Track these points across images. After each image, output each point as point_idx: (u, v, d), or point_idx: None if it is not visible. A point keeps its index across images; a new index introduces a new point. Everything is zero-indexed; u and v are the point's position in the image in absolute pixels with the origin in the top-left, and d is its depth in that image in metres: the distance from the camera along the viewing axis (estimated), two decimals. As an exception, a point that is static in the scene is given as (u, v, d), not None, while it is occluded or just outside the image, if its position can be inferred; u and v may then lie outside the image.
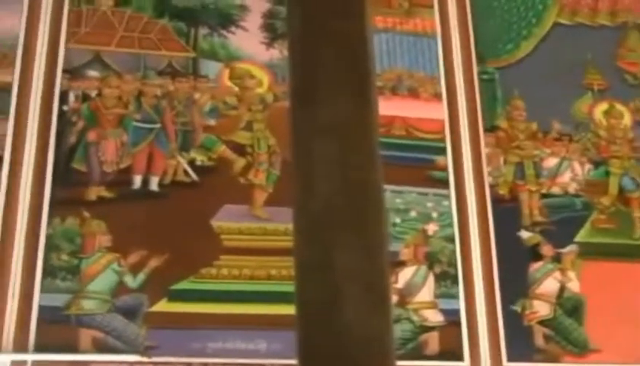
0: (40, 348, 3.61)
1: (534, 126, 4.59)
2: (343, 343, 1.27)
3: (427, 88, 4.55)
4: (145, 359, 3.66)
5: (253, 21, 4.50)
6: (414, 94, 4.54)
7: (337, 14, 1.45)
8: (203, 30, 4.43)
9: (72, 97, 4.12)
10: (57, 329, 3.67)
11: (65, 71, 4.13)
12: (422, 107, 4.52)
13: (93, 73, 4.20)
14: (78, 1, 4.32)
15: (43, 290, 3.70)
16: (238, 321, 3.84)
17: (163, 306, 3.81)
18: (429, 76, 4.58)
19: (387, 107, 4.29)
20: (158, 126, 4.15)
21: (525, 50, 4.76)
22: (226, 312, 3.86)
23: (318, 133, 1.37)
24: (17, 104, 4.00)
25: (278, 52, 4.42)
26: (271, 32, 4.49)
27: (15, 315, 3.64)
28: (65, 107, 4.08)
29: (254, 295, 3.91)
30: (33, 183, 3.87)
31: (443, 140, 4.44)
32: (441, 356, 4.01)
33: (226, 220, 4.01)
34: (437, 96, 4.54)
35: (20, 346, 3.60)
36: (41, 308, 3.67)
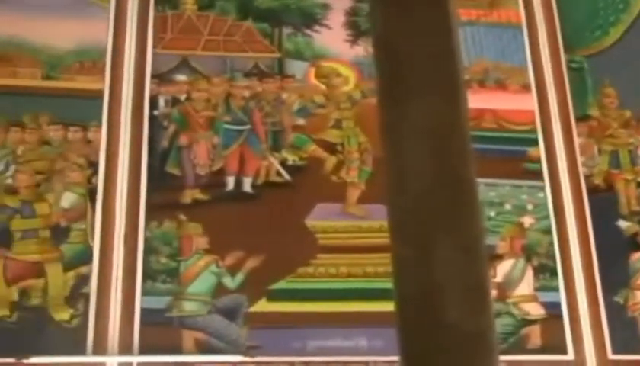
0: (144, 350, 3.62)
1: (627, 113, 4.49)
2: (445, 339, 1.24)
3: (515, 79, 4.49)
4: (248, 359, 3.65)
5: (336, 19, 4.48)
6: (502, 86, 4.48)
7: (421, 8, 1.42)
8: (287, 30, 4.42)
9: (161, 102, 4.14)
10: (160, 331, 3.67)
11: (153, 76, 4.15)
12: (511, 99, 4.45)
13: (181, 77, 4.22)
14: (163, 7, 4.34)
15: (144, 293, 3.72)
16: (338, 319, 3.81)
17: (262, 306, 3.80)
18: (516, 67, 4.52)
19: (475, 100, 4.24)
20: (248, 127, 4.15)
21: (614, 37, 4.66)
22: (325, 310, 3.83)
23: (408, 128, 1.35)
24: (109, 111, 4.03)
25: (363, 50, 4.40)
26: (355, 29, 4.46)
27: (119, 318, 3.65)
28: (155, 112, 4.10)
29: (352, 293, 3.88)
30: (129, 188, 3.89)
31: (534, 131, 4.37)
32: (544, 350, 3.94)
33: (321, 219, 3.99)
34: (526, 87, 4.47)
35: (125, 349, 3.61)
36: (143, 311, 3.68)
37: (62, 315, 3.65)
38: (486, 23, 4.61)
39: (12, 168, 3.90)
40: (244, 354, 3.67)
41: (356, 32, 4.45)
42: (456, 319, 1.25)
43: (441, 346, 1.25)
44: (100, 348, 3.60)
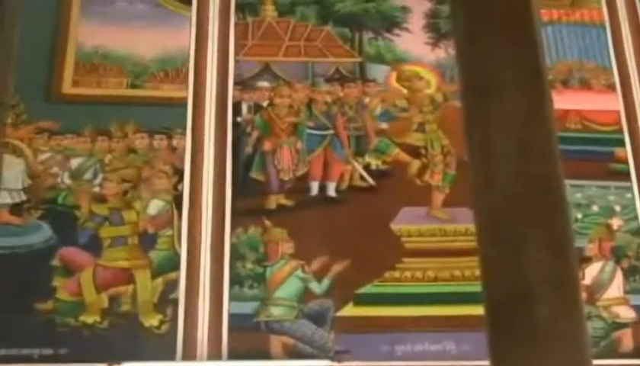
0: (232, 355, 3.63)
1: None
2: (537, 342, 1.21)
3: (599, 79, 4.41)
4: (336, 364, 3.64)
5: (416, 22, 4.46)
6: (586, 85, 4.41)
7: (502, 8, 1.40)
8: (367, 35, 4.42)
9: (244, 108, 4.17)
10: (248, 337, 3.69)
11: (236, 83, 4.18)
12: (595, 99, 4.38)
13: (263, 84, 4.24)
14: (243, 14, 4.37)
15: (231, 299, 3.74)
16: (425, 323, 3.78)
17: (349, 310, 3.79)
18: (600, 67, 4.44)
19: (559, 101, 4.18)
20: (331, 132, 4.15)
21: (701, 33, 4.56)
22: (413, 314, 3.80)
23: (493, 129, 1.33)
24: (193, 118, 4.07)
25: (444, 52, 4.37)
26: (435, 32, 4.44)
27: (207, 324, 3.68)
28: (239, 119, 4.12)
29: (439, 296, 3.85)
30: (215, 194, 3.92)
31: (620, 131, 4.29)
32: (637, 354, 3.85)
33: (406, 223, 3.96)
34: (611, 86, 4.39)
35: (214, 354, 3.63)
36: (231, 316, 3.70)
37: (152, 321, 3.68)
38: (568, 22, 4.54)
39: (100, 176, 3.96)
40: (333, 358, 3.66)
41: (436, 35, 4.42)
42: (547, 321, 1.23)
43: (532, 348, 1.22)
44: (189, 354, 3.63)
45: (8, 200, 3.82)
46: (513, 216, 1.29)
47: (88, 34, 4.27)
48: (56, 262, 3.76)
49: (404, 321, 3.78)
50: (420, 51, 4.39)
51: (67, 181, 3.94)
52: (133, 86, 4.19)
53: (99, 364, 3.56)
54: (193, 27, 4.27)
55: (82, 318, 3.67)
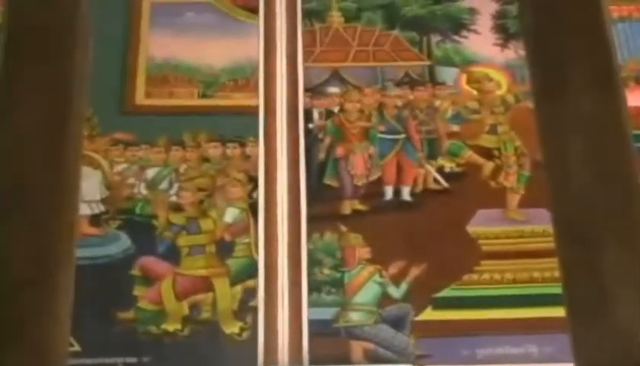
0: (313, 360, 3.64)
1: None
2: (618, 344, 1.19)
3: (673, 74, 4.35)
4: (417, 368, 3.63)
5: (484, 24, 4.44)
6: (659, 82, 4.35)
7: (571, 7, 1.38)
8: (435, 38, 4.41)
9: (315, 114, 4.18)
10: (328, 342, 3.69)
11: (306, 90, 4.20)
12: (670, 96, 4.31)
13: (333, 90, 4.25)
14: (310, 22, 4.39)
15: (310, 305, 3.74)
16: (506, 326, 3.75)
17: (428, 314, 3.77)
18: (674, 62, 4.38)
19: (633, 99, 4.12)
20: (402, 136, 4.15)
21: None
22: (492, 317, 3.78)
23: (567, 130, 1.31)
24: (265, 126, 4.09)
25: (513, 53, 4.34)
26: (503, 32, 4.41)
27: (287, 330, 3.69)
28: (310, 125, 4.14)
29: (519, 299, 3.81)
30: (289, 201, 3.93)
31: (696, 128, 4.22)
32: None
33: (482, 225, 3.94)
34: (685, 82, 4.33)
35: (294, 360, 3.64)
36: (310, 322, 3.71)
37: (232, 328, 3.70)
38: (639, 19, 4.48)
39: (176, 186, 3.99)
40: (414, 363, 3.65)
41: (505, 35, 4.40)
42: (630, 323, 1.21)
43: (618, 353, 1.20)
44: (270, 360, 3.64)
45: (87, 212, 3.87)
46: (591, 217, 1.27)
47: (158, 46, 4.32)
48: (135, 272, 3.80)
49: (484, 324, 3.75)
50: (489, 52, 4.37)
51: (143, 191, 3.99)
52: (204, 96, 4.22)
53: (182, 372, 3.59)
54: (261, 35, 4.30)
55: (164, 326, 3.70)
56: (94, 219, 3.90)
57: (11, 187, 1.45)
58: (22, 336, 1.34)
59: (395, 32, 4.41)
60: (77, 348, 3.51)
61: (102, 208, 3.93)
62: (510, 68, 4.31)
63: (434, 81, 4.30)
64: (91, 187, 3.92)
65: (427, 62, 4.35)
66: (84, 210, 3.86)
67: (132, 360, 3.65)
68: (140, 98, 4.20)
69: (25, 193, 1.46)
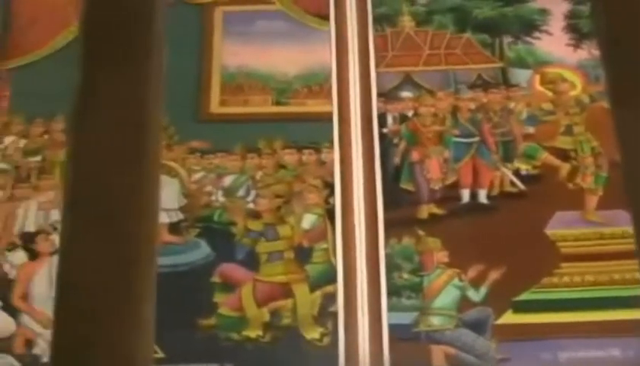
0: (394, 365, 3.64)
1: None
2: None
3: None
4: (500, 372, 3.61)
5: (556, 24, 4.41)
6: None
7: None
8: (507, 39, 4.38)
9: (389, 119, 4.19)
10: (409, 347, 3.69)
11: (379, 95, 4.20)
12: None
13: (406, 94, 4.25)
14: (381, 27, 4.39)
15: (390, 309, 3.74)
16: (587, 329, 3.72)
17: (509, 318, 3.75)
18: None
19: None
20: (477, 139, 4.13)
21: None
22: (573, 320, 3.74)
23: None
24: (340, 132, 4.10)
25: (586, 53, 4.30)
26: (576, 33, 4.37)
27: (367, 335, 3.70)
28: (384, 130, 4.14)
29: (600, 301, 3.77)
30: (365, 206, 3.94)
31: None
32: None
33: (560, 227, 3.91)
34: None
35: (376, 365, 3.65)
36: (391, 327, 3.71)
37: (313, 334, 3.72)
38: None
39: (253, 193, 4.03)
40: (495, 367, 3.63)
41: (577, 35, 4.36)
42: None
43: None
44: (352, 365, 3.65)
45: (167, 220, 3.92)
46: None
47: (231, 55, 4.36)
48: (216, 279, 3.84)
49: (565, 327, 3.72)
50: (562, 53, 4.33)
51: (221, 198, 4.03)
52: (278, 103, 4.26)
53: (264, 378, 3.63)
54: (332, 41, 4.31)
55: (245, 332, 3.74)
56: (174, 228, 3.95)
57: (93, 196, 1.48)
58: (107, 343, 1.36)
59: (467, 35, 4.40)
60: (161, 354, 3.55)
61: (181, 216, 3.98)
62: (584, 68, 4.27)
63: (507, 83, 4.28)
64: (169, 196, 3.97)
65: (500, 64, 4.33)
66: (164, 218, 3.91)
67: (215, 366, 3.69)
68: (215, 107, 4.25)
69: (106, 202, 1.49)
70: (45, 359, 3.70)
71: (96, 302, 1.41)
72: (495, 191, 4.02)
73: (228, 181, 4.06)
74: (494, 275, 3.80)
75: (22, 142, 4.17)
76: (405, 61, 4.34)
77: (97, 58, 1.65)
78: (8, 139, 4.18)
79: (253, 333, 3.73)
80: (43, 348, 3.72)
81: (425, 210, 3.97)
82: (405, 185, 4.04)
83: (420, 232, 3.91)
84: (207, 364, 3.69)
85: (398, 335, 3.70)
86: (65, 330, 1.42)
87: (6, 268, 3.90)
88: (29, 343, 3.75)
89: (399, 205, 3.98)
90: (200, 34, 4.41)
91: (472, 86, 4.26)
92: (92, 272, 1.41)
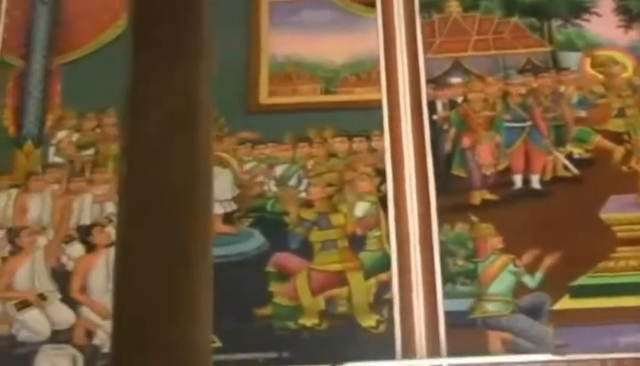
0: (451, 352, 3.65)
1: None
2: None
3: None
4: (558, 358, 3.60)
5: (605, 6, 4.36)
6: None
7: None
8: (555, 22, 4.35)
9: (439, 106, 4.17)
10: (465, 333, 3.69)
11: (428, 81, 4.19)
12: None
13: (455, 80, 4.24)
14: (428, 13, 4.38)
15: (445, 296, 3.75)
16: (646, 313, 3.70)
17: (566, 303, 3.73)
18: None
19: None
20: (528, 123, 4.11)
21: None
22: (632, 304, 3.72)
23: None
24: (390, 119, 4.10)
25: (637, 35, 4.26)
26: (626, 14, 4.33)
27: (423, 322, 3.70)
28: (434, 117, 4.13)
29: (658, 285, 3.75)
30: (418, 193, 3.94)
31: None
32: None
33: (615, 211, 3.88)
34: None
35: (432, 352, 3.65)
36: (447, 314, 3.71)
37: (369, 321, 3.74)
38: None
39: (305, 182, 4.04)
40: (554, 352, 3.62)
41: (628, 17, 4.32)
42: None
43: None
44: (408, 352, 3.66)
45: (220, 211, 3.95)
46: None
47: (278, 45, 4.37)
48: (270, 268, 3.86)
49: (624, 312, 3.70)
50: (612, 35, 4.29)
51: (273, 188, 4.05)
52: (327, 92, 4.26)
53: (323, 366, 3.64)
54: (379, 29, 4.30)
55: (301, 321, 3.76)
56: (227, 218, 3.97)
57: (148, 189, 1.50)
58: (166, 334, 1.38)
59: (515, 19, 4.37)
60: (218, 344, 3.58)
61: (234, 206, 4.00)
62: (635, 50, 4.23)
63: (558, 66, 4.25)
64: (222, 187, 3.99)
65: (549, 48, 4.30)
66: (217, 209, 3.94)
67: (273, 355, 3.72)
68: (264, 97, 4.26)
69: (162, 194, 1.50)
70: (105, 350, 3.75)
71: (153, 294, 1.43)
72: (548, 176, 4.00)
73: (279, 170, 4.08)
74: (549, 260, 3.78)
75: (75, 137, 4.20)
76: (453, 47, 4.32)
77: (146, 51, 1.67)
78: (62, 134, 4.22)
79: (309, 322, 3.75)
80: (102, 339, 3.76)
81: (478, 196, 3.96)
82: (457, 171, 4.03)
83: (474, 218, 3.90)
84: (264, 353, 3.71)
85: (455, 321, 3.70)
86: (123, 322, 1.44)
87: (63, 260, 3.94)
88: (89, 334, 3.79)
89: (451, 191, 3.97)
90: (247, 25, 4.42)
91: (522, 70, 4.23)
92: (148, 265, 1.43)
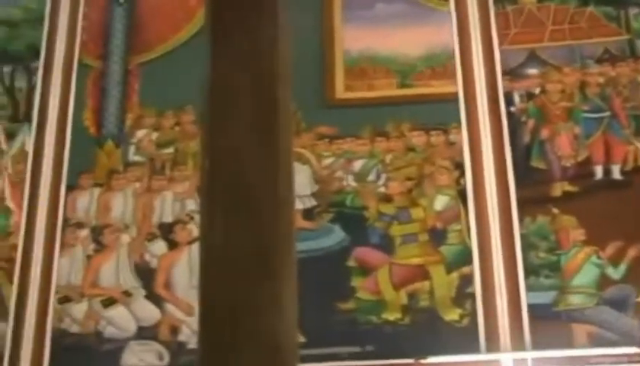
0: (536, 345, 3.64)
1: None
2: None
3: None
4: (645, 350, 3.57)
5: (684, -8, 4.30)
6: None
7: None
8: (632, 11, 4.30)
9: (516, 97, 4.15)
10: (549, 326, 3.68)
11: (504, 73, 4.17)
12: None
13: (532, 71, 4.21)
14: (502, 4, 4.35)
15: (528, 289, 3.74)
16: None
17: (651, 295, 3.71)
18: None
19: None
20: (607, 114, 4.07)
21: None
22: None
23: None
24: (467, 112, 4.09)
25: None
26: None
27: (507, 315, 3.70)
28: (512, 109, 4.11)
29: None
30: (497, 186, 3.93)
31: None
32: None
33: (699, 201, 3.84)
34: None
35: (517, 345, 3.65)
36: (530, 307, 3.70)
37: (452, 315, 3.74)
38: None
39: (383, 176, 4.05)
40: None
41: None
42: None
43: None
44: (492, 346, 3.66)
45: (300, 206, 3.98)
46: None
47: (352, 39, 4.38)
48: (351, 263, 3.89)
49: None
50: (691, 21, 4.23)
51: (352, 183, 4.07)
52: (403, 85, 4.26)
53: (406, 360, 3.66)
54: (454, 21, 4.29)
55: (384, 315, 3.78)
56: (307, 214, 4.00)
57: (234, 187, 1.52)
58: (253, 331, 1.40)
59: (590, 8, 4.33)
60: (302, 339, 3.61)
61: (313, 202, 4.03)
62: None
63: (636, 55, 4.20)
64: (301, 182, 4.02)
65: (627, 36, 4.25)
66: (297, 204, 3.97)
67: (356, 349, 3.74)
68: (340, 92, 4.28)
69: (247, 192, 1.52)
70: (190, 346, 3.80)
71: (239, 292, 1.45)
72: (629, 166, 3.96)
73: (358, 165, 4.10)
74: (632, 252, 3.75)
75: (154, 135, 4.27)
76: (529, 38, 4.29)
77: (223, 49, 1.68)
78: (141, 133, 4.28)
79: (392, 316, 3.77)
80: (187, 335, 3.82)
81: (558, 188, 3.94)
82: (536, 163, 4.01)
83: (555, 210, 3.88)
84: (348, 347, 3.74)
85: (538, 314, 3.69)
86: (210, 320, 1.46)
87: (147, 257, 4.01)
88: (174, 330, 3.85)
89: (531, 183, 3.96)
90: (321, 21, 4.43)
91: (599, 60, 4.19)
92: (233, 262, 1.45)
